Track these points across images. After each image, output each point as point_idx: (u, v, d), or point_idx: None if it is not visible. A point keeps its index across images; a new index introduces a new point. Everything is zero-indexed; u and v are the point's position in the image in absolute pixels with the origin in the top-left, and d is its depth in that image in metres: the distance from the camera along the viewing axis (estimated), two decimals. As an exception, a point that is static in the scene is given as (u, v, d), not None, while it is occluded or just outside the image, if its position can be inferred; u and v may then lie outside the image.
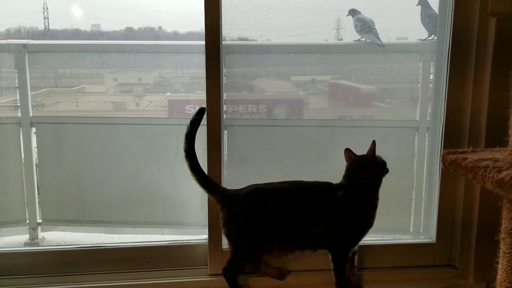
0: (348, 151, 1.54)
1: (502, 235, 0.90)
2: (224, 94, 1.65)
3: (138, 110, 2.05)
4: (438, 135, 1.67)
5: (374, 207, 1.51)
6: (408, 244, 1.74)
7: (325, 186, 1.54)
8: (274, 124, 1.80)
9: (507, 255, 0.88)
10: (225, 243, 1.65)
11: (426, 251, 1.74)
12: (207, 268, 1.65)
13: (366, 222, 1.52)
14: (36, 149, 1.83)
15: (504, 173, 0.81)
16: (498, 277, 0.91)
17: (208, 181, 1.52)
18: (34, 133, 1.81)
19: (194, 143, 1.51)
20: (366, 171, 1.50)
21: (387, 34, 1.78)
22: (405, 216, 1.87)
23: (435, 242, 1.74)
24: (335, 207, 1.50)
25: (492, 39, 1.52)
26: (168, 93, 2.00)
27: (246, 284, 1.61)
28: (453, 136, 1.63)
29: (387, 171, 1.53)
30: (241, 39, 1.71)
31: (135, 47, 1.86)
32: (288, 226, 1.51)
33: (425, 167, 1.77)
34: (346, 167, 1.54)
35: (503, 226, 0.90)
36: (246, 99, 1.80)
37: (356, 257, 1.60)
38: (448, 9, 1.58)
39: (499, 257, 0.91)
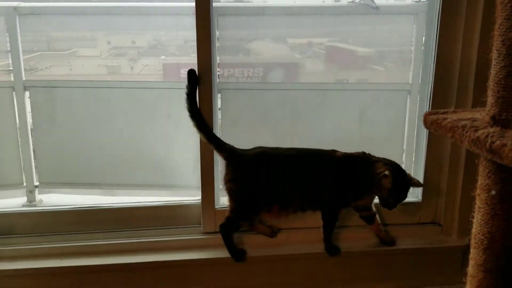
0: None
1: (478, 191, 0.94)
2: (218, 58, 1.66)
3: (132, 74, 2.05)
4: (426, 96, 1.70)
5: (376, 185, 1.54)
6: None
7: (329, 153, 1.60)
8: (267, 88, 1.81)
9: (482, 209, 0.93)
10: (218, 203, 1.71)
11: (412, 209, 1.80)
12: (200, 226, 1.71)
13: (364, 191, 1.59)
14: (30, 113, 1.84)
15: (480, 132, 0.85)
16: (473, 230, 0.96)
17: (216, 138, 1.57)
18: (28, 97, 1.82)
19: (196, 102, 1.56)
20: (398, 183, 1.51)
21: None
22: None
23: (421, 201, 1.80)
24: (338, 172, 1.57)
25: None
26: (163, 57, 2.00)
27: (240, 241, 1.68)
28: (440, 97, 1.67)
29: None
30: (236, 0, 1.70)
31: (128, 9, 1.84)
32: (291, 191, 1.58)
33: (415, 130, 1.80)
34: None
35: (479, 183, 0.94)
36: (241, 63, 1.80)
37: (377, 216, 1.69)
38: (438, -33, 1.58)
39: (474, 212, 0.96)
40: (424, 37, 1.72)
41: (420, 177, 1.77)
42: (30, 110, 1.82)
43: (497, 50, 0.87)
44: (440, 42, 1.62)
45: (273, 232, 1.71)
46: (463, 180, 1.71)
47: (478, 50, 1.57)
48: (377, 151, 1.59)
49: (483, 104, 0.97)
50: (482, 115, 0.95)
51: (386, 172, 1.47)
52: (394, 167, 1.53)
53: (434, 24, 1.63)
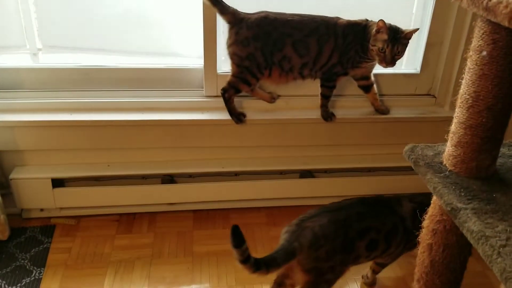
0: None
1: (470, 53, 0.97)
2: None
3: None
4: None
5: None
6: (393, 74, 1.82)
7: (332, 20, 1.59)
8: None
9: (471, 70, 0.97)
10: (220, 68, 1.74)
11: (410, 81, 1.84)
12: (203, 90, 1.77)
13: (363, 57, 1.61)
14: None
15: (480, -11, 0.85)
16: (460, 91, 1.02)
17: (219, 1, 1.56)
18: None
19: None
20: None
21: None
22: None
23: (419, 73, 1.83)
24: (339, 39, 1.59)
25: None
26: None
27: (240, 105, 1.75)
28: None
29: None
30: None
31: None
32: (293, 56, 1.60)
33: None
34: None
35: (472, 44, 0.97)
36: None
37: (374, 86, 1.73)
38: None
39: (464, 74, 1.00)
40: None
41: (421, 49, 1.78)
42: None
43: None
44: None
45: (272, 98, 1.77)
46: (462, 54, 1.73)
47: None
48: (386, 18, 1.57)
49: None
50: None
51: (379, 22, 1.50)
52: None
53: None
